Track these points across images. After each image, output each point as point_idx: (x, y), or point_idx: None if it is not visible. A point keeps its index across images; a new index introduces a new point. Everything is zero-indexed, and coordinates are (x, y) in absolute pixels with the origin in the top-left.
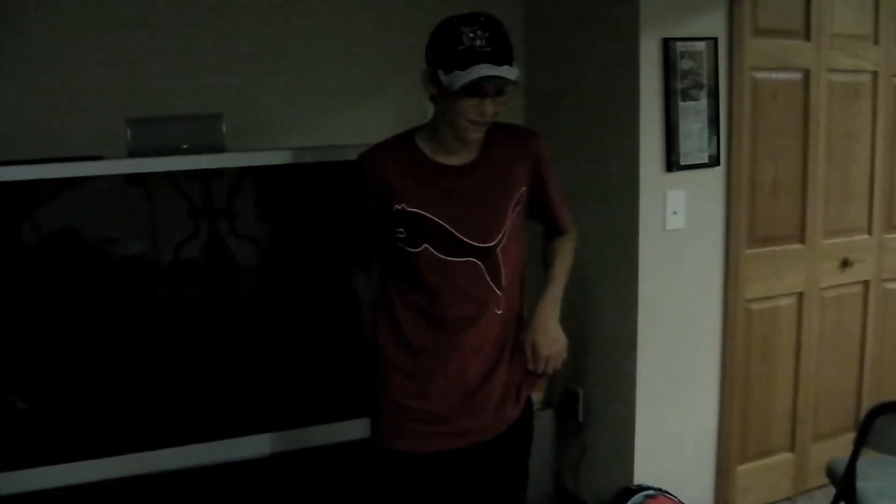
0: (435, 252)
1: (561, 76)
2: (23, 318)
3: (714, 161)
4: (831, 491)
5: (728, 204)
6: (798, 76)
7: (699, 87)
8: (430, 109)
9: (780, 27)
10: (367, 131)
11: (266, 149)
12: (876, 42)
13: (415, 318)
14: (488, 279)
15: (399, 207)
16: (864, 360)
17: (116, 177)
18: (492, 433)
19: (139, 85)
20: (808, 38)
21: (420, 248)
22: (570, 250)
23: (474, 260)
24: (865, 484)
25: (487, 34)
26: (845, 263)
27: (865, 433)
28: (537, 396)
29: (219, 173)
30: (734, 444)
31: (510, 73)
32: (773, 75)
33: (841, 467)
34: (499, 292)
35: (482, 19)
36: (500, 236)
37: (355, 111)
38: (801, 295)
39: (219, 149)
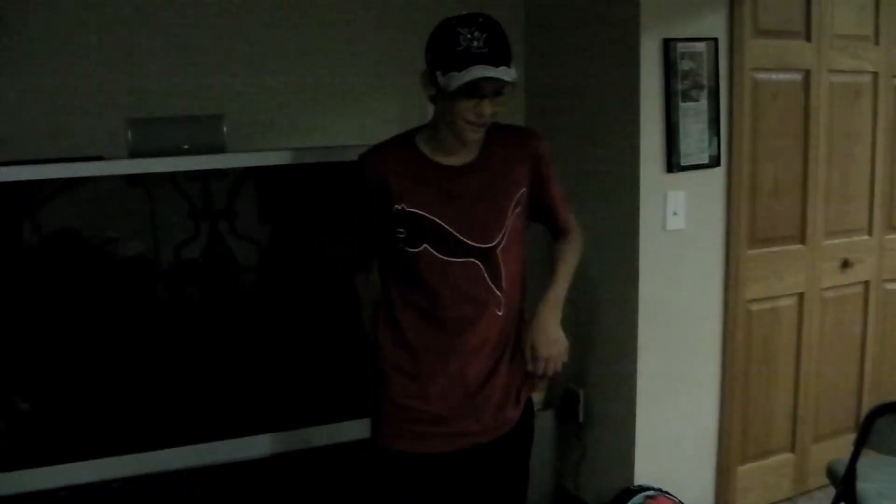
0: (435, 252)
1: (561, 76)
2: (24, 319)
3: (714, 162)
4: (832, 491)
5: (728, 204)
6: (798, 77)
7: (700, 87)
8: (430, 110)
9: (781, 28)
10: (368, 131)
11: (267, 149)
12: (876, 43)
13: (415, 319)
14: (488, 280)
15: (399, 207)
16: (865, 361)
17: (117, 177)
18: (492, 434)
19: (139, 85)
20: (808, 38)
21: (420, 249)
22: (574, 251)
23: (474, 260)
24: (866, 485)
25: (485, 35)
26: (846, 264)
27: (866, 434)
28: (538, 398)
29: (219, 174)
30: (734, 444)
31: (507, 74)
32: (774, 76)
33: (841, 468)
34: (499, 293)
35: (480, 20)
36: (500, 237)
37: (355, 111)
38: (801, 295)
39: (220, 149)
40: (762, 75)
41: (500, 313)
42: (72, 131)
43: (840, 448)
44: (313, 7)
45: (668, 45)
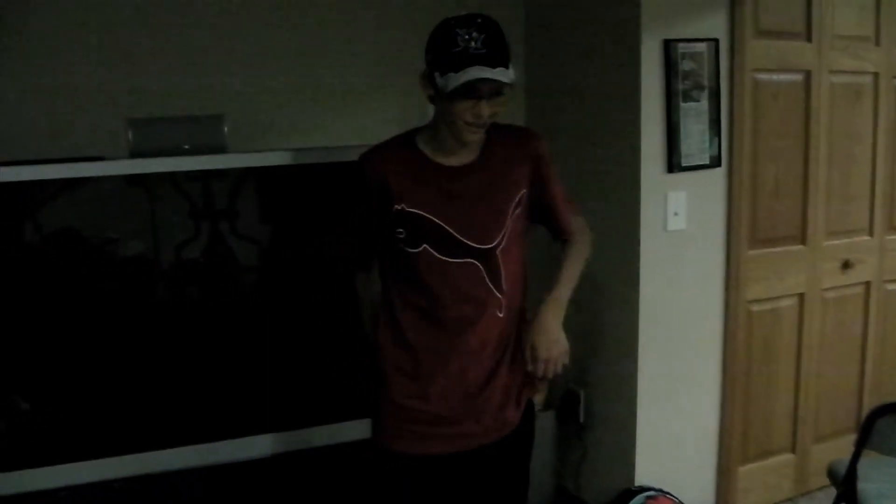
0: (434, 253)
1: (562, 77)
2: (24, 319)
3: (715, 162)
4: (832, 492)
5: (729, 205)
6: (799, 77)
7: (700, 88)
8: (430, 110)
9: (782, 28)
10: (368, 131)
11: (267, 149)
12: (877, 43)
13: (415, 319)
14: (488, 281)
15: (399, 208)
16: (866, 361)
17: (118, 177)
18: (493, 436)
19: (140, 85)
20: (809, 39)
21: (419, 249)
22: (579, 253)
23: (474, 261)
24: (866, 485)
25: (483, 36)
26: (846, 264)
27: (867, 434)
28: (539, 399)
29: (220, 174)
30: (735, 444)
31: (504, 75)
32: (775, 76)
33: (842, 468)
34: (499, 294)
35: (479, 21)
36: (500, 238)
37: (355, 111)
38: (802, 296)
39: (220, 149)
40: (763, 76)
41: (500, 315)
42: (72, 131)
43: (841, 448)
44: (313, 7)
45: (668, 45)
